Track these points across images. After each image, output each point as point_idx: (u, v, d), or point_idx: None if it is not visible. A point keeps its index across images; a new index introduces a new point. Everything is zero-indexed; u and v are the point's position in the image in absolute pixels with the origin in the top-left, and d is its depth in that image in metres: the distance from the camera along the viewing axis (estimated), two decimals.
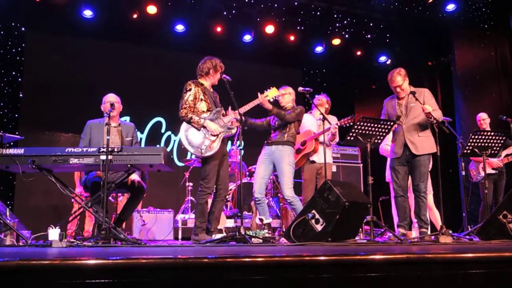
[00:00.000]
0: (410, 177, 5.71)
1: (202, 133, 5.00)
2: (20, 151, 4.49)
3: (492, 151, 5.83)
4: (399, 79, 5.61)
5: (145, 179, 5.59)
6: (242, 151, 5.21)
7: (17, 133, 7.68)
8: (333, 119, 6.25)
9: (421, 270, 2.39)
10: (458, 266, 2.47)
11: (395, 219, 6.13)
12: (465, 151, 5.81)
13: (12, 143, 5.57)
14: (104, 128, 5.23)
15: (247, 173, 7.85)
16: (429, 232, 5.58)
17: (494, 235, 4.91)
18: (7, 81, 8.47)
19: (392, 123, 5.41)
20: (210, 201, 5.26)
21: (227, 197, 7.39)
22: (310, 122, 6.38)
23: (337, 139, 6.34)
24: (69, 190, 4.73)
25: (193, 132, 5.02)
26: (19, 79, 8.63)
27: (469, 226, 5.97)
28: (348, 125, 6.04)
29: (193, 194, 7.61)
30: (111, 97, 5.48)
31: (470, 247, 3.81)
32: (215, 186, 5.14)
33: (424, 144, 5.53)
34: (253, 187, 5.81)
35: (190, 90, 5.08)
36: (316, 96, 6.57)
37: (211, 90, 5.31)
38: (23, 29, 8.74)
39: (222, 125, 5.07)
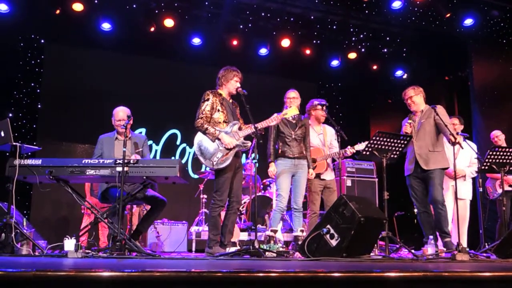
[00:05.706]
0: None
1: (216, 145, 4.98)
2: (38, 161, 4.55)
3: (510, 168, 5.73)
4: (411, 91, 5.75)
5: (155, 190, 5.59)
6: (257, 164, 5.19)
7: (35, 143, 7.78)
8: (330, 130, 6.26)
9: None
10: (475, 285, 2.43)
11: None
12: (483, 167, 5.74)
13: (29, 154, 5.63)
14: (114, 141, 5.36)
15: (261, 186, 7.83)
16: (453, 241, 5.49)
17: None
18: (26, 92, 8.59)
19: (408, 138, 5.37)
20: (223, 214, 5.25)
21: (241, 210, 7.38)
22: (313, 136, 6.20)
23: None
24: (85, 201, 4.77)
25: (207, 143, 4.99)
26: (38, 90, 8.75)
27: (486, 244, 5.87)
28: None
29: (207, 206, 7.61)
30: (120, 113, 5.38)
31: (487, 265, 3.75)
32: (227, 199, 5.12)
33: (436, 159, 5.51)
34: (278, 199, 5.74)
35: (207, 100, 5.06)
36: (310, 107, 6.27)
37: (230, 100, 5.27)
38: (42, 41, 8.87)
39: (238, 139, 5.05)
